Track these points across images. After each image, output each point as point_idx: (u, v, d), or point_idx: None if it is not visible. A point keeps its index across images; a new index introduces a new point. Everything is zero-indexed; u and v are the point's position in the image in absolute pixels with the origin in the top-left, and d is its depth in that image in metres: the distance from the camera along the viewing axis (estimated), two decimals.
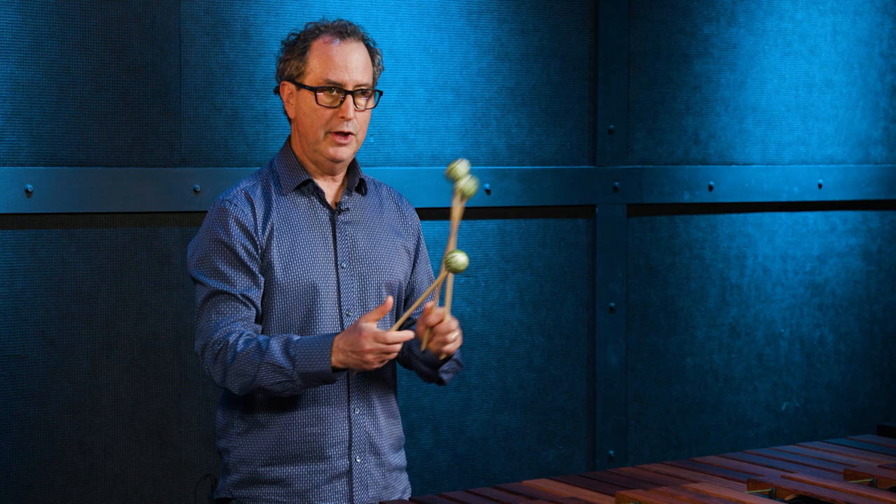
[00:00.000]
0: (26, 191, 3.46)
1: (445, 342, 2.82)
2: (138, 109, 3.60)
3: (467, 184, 2.74)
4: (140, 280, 3.62)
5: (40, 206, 3.48)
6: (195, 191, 3.63)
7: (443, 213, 4.04)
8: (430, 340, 2.82)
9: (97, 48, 3.54)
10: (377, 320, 2.73)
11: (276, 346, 2.77)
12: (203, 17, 3.67)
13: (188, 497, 3.70)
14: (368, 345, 2.71)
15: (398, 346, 2.73)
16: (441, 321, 2.79)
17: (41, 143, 3.50)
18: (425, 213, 3.98)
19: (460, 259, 2.69)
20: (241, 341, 2.80)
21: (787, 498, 2.70)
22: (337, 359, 2.74)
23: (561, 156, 4.23)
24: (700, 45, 4.45)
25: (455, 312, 4.05)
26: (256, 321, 2.88)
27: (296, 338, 2.79)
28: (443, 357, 2.88)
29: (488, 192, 4.09)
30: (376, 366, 2.75)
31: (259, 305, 2.87)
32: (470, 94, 4.07)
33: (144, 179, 3.60)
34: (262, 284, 2.87)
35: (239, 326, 2.83)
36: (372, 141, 3.93)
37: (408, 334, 2.73)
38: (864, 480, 2.80)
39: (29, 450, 3.53)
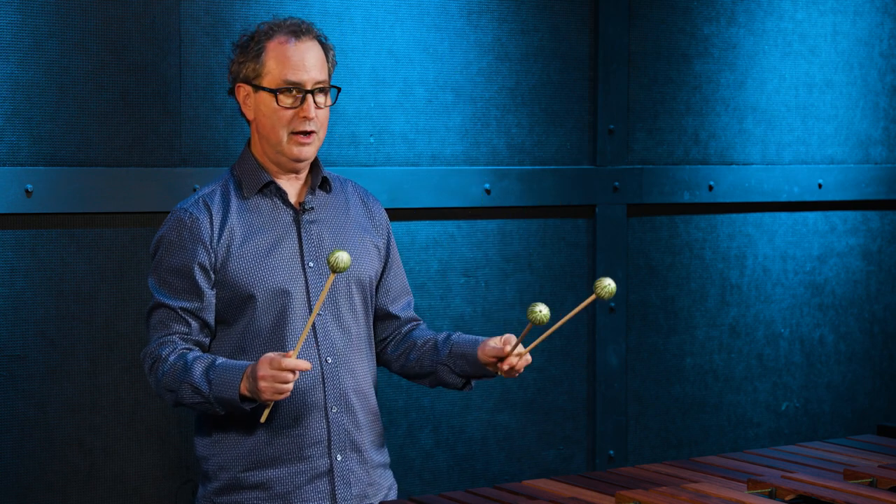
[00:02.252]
0: (26, 191, 3.46)
1: (512, 373, 2.89)
2: (138, 109, 3.60)
3: (541, 314, 2.79)
4: (140, 280, 3.62)
5: (40, 206, 3.48)
6: (195, 191, 3.63)
7: (442, 213, 4.04)
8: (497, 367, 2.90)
9: (97, 48, 3.54)
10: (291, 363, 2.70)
11: (198, 367, 2.77)
12: (203, 17, 3.67)
13: (188, 497, 3.70)
14: (262, 370, 2.68)
15: (291, 376, 2.68)
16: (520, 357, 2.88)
17: (41, 143, 3.50)
18: (425, 213, 3.99)
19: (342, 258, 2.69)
20: (172, 356, 2.82)
21: (787, 498, 2.70)
22: (244, 386, 2.73)
23: (561, 156, 4.23)
24: (700, 45, 4.45)
25: (455, 312, 4.05)
26: (206, 330, 2.88)
27: (219, 360, 2.78)
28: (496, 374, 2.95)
29: (488, 192, 4.09)
30: (268, 397, 2.69)
31: (206, 317, 2.87)
32: (470, 94, 4.07)
33: (144, 179, 3.60)
34: (210, 298, 2.86)
35: (175, 340, 2.84)
36: (372, 141, 3.93)
37: (304, 364, 2.69)
38: (864, 480, 2.80)
39: (29, 450, 3.53)
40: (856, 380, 4.85)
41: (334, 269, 2.65)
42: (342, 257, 2.65)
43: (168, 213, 3.62)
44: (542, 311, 2.77)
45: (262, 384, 2.68)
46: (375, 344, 3.09)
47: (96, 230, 3.58)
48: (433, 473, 4.08)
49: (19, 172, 3.46)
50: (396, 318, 3.07)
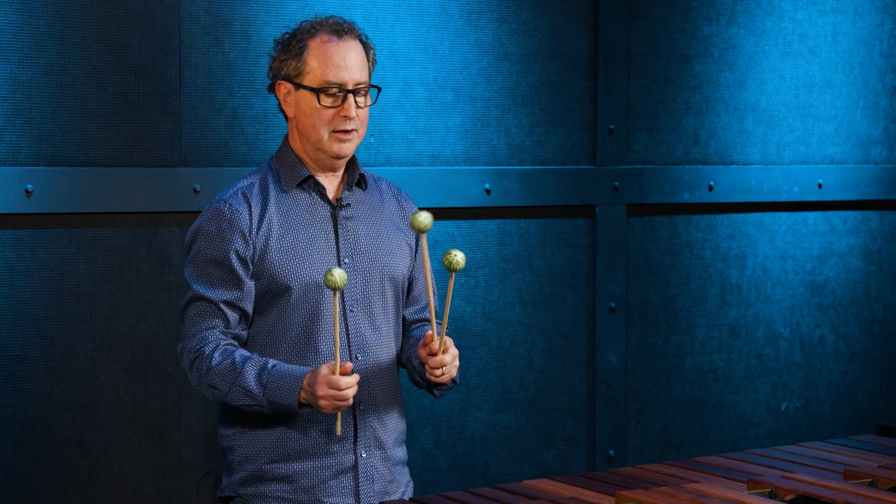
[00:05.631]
0: (26, 191, 3.46)
1: (433, 374, 2.84)
2: (138, 109, 3.60)
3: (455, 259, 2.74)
4: (140, 280, 3.62)
5: (40, 206, 3.48)
6: (195, 191, 3.64)
7: (442, 213, 4.04)
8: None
9: (97, 48, 3.54)
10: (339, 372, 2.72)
11: (250, 370, 2.79)
12: (203, 17, 3.67)
13: (188, 497, 3.70)
14: (321, 391, 2.72)
15: (351, 392, 2.72)
16: (434, 355, 2.82)
17: (41, 143, 3.50)
18: None
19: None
20: (216, 354, 2.82)
21: (787, 498, 2.70)
22: (303, 396, 2.77)
23: (561, 156, 4.23)
24: (700, 45, 4.45)
25: (455, 312, 4.05)
26: (244, 322, 2.88)
27: (271, 364, 2.80)
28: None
29: (488, 192, 4.09)
30: (330, 412, 2.75)
31: (245, 307, 2.87)
32: (470, 94, 4.07)
33: (144, 179, 3.60)
34: (250, 288, 2.87)
35: (216, 335, 2.84)
36: (372, 141, 3.93)
37: (355, 378, 2.72)
38: (864, 480, 2.80)
39: (29, 450, 3.53)
40: (856, 380, 4.85)
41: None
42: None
43: (167, 212, 3.64)
44: (456, 256, 2.72)
45: (323, 402, 2.73)
46: (403, 357, 3.09)
47: (96, 230, 3.58)
48: (433, 473, 4.08)
49: (19, 172, 3.46)
50: (405, 319, 3.09)
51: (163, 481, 3.68)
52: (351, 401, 2.74)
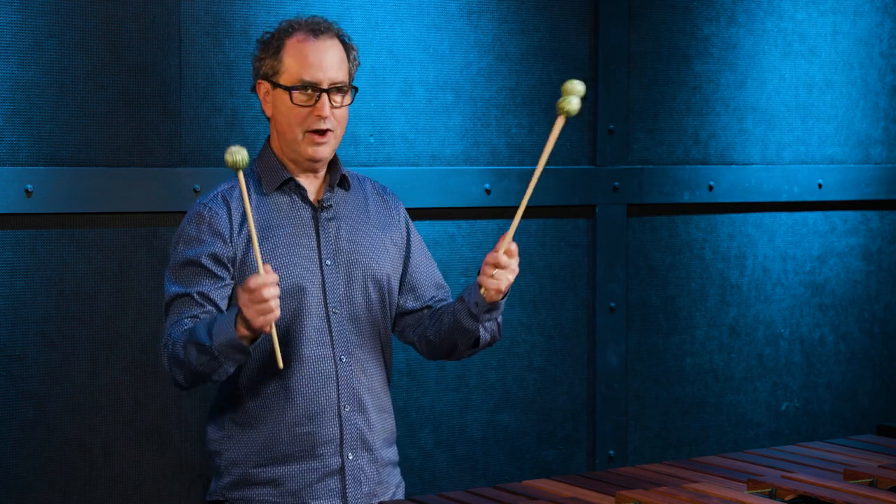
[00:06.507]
0: (26, 191, 3.46)
1: (486, 273, 2.77)
2: (138, 109, 3.60)
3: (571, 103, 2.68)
4: (140, 280, 3.62)
5: (40, 206, 3.48)
6: (195, 191, 3.64)
7: (442, 213, 4.04)
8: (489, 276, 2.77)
9: (97, 48, 3.55)
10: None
11: (201, 326, 2.75)
12: (203, 17, 3.67)
13: (188, 498, 3.70)
14: (241, 300, 2.66)
15: (268, 293, 2.62)
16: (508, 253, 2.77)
17: (41, 143, 3.50)
18: (425, 213, 3.99)
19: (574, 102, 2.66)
20: (178, 330, 2.80)
21: (787, 498, 2.70)
22: (239, 323, 2.69)
23: (561, 156, 4.23)
24: (700, 45, 4.45)
25: None
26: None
27: (220, 315, 2.77)
28: (488, 301, 2.82)
29: (488, 192, 4.09)
30: (260, 323, 2.65)
31: (218, 301, 2.85)
32: (470, 94, 4.07)
33: (144, 179, 3.60)
34: (227, 280, 2.86)
35: (185, 321, 2.82)
36: (372, 141, 3.93)
37: (273, 277, 2.64)
38: (864, 480, 2.80)
39: (29, 450, 3.53)
40: (856, 380, 4.85)
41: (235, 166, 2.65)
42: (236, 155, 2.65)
43: (167, 212, 3.64)
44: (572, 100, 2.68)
45: (247, 312, 2.65)
46: (412, 333, 3.06)
47: (96, 230, 3.58)
48: (433, 473, 4.08)
49: (19, 172, 3.46)
50: (429, 307, 3.06)
51: (163, 481, 3.68)
52: (274, 304, 2.63)
